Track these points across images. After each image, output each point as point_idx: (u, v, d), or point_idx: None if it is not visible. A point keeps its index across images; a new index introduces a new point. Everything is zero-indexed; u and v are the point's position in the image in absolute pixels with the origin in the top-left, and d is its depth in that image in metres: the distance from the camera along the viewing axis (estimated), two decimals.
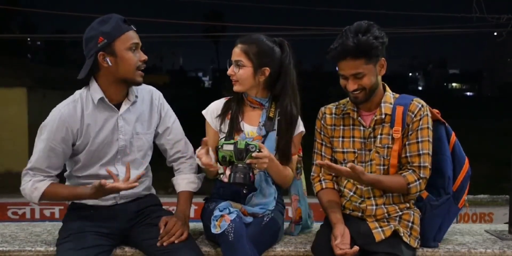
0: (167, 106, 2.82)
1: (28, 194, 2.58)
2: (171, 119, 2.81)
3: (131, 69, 2.56)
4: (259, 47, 2.73)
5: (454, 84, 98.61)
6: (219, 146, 2.59)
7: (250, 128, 2.78)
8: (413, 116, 2.61)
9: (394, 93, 2.71)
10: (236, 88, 2.77)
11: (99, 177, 2.61)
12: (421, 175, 2.59)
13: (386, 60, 2.60)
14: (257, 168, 2.61)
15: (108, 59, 2.52)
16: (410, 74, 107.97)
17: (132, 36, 2.55)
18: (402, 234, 2.56)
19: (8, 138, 16.46)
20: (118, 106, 2.64)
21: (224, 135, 2.78)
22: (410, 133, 2.61)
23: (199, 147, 2.58)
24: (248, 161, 2.54)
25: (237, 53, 2.74)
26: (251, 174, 2.56)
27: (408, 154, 2.62)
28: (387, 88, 2.70)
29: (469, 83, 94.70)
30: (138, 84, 2.63)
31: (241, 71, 2.73)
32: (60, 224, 2.72)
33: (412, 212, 2.66)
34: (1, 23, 39.35)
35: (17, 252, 2.70)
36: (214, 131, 2.83)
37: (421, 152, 2.60)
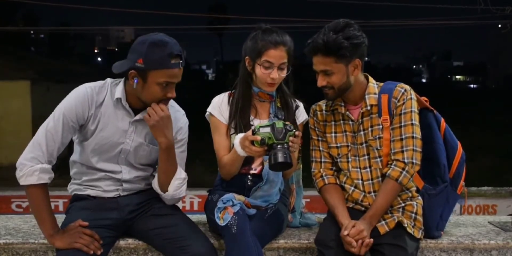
0: (181, 137, 2.68)
1: (24, 172, 2.43)
2: (178, 151, 2.65)
3: (152, 100, 2.47)
4: (292, 45, 2.71)
5: (458, 76, 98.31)
6: (256, 130, 2.51)
7: (260, 122, 2.74)
8: (396, 101, 2.60)
9: (378, 83, 2.70)
10: (273, 88, 2.74)
11: (99, 170, 2.61)
12: (405, 161, 2.56)
13: (363, 60, 2.57)
14: (293, 149, 2.50)
15: (136, 80, 2.43)
16: (414, 66, 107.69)
17: (170, 75, 2.40)
18: (406, 225, 2.55)
19: (12, 131, 16.50)
20: (137, 110, 2.57)
21: (234, 130, 2.75)
22: (394, 118, 2.61)
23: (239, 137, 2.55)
24: (290, 138, 2.46)
25: (283, 56, 2.67)
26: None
27: (391, 139, 2.61)
28: (370, 79, 2.69)
29: (473, 75, 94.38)
30: None
31: (284, 72, 2.72)
32: (63, 216, 2.72)
33: (415, 203, 2.65)
34: (5, 16, 39.34)
35: (20, 245, 2.71)
36: (225, 125, 2.78)
37: (403, 136, 2.58)
